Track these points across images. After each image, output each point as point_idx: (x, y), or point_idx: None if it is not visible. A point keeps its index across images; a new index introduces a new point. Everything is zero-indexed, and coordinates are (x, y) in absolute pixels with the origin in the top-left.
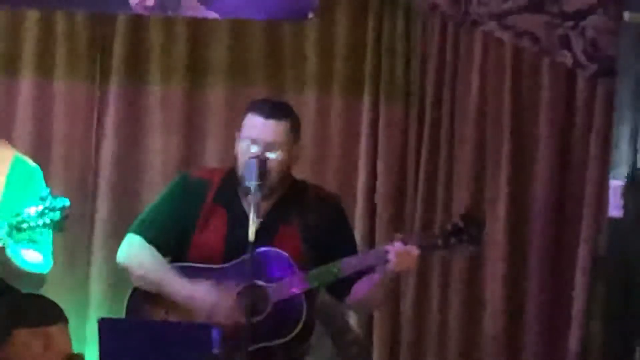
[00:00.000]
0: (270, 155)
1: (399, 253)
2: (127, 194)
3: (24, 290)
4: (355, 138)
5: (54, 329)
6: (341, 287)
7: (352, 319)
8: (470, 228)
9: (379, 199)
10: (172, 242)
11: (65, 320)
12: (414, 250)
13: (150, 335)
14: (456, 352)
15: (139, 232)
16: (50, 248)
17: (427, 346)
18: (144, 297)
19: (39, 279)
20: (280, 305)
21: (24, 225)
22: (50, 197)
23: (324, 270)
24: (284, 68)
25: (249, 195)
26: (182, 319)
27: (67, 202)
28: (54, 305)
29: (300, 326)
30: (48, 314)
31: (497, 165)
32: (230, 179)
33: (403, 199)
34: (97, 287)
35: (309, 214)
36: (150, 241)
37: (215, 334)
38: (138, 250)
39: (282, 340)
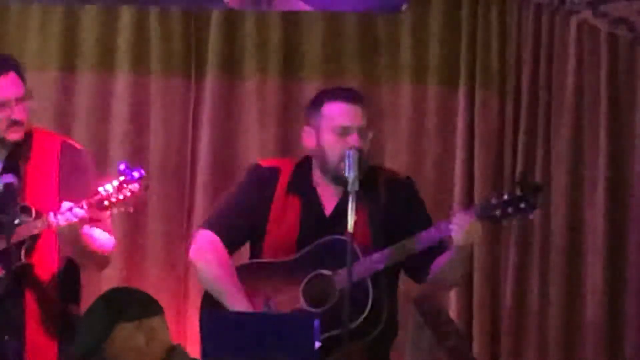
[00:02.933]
0: (364, 142)
1: (460, 226)
2: (223, 187)
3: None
4: (451, 127)
5: (154, 321)
6: (419, 269)
7: (452, 310)
8: (527, 195)
9: (477, 187)
10: (243, 232)
11: (162, 312)
12: (472, 222)
13: (252, 326)
14: (556, 342)
15: (209, 226)
16: (110, 226)
17: (527, 336)
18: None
19: (106, 259)
20: (349, 293)
21: (106, 203)
22: (127, 170)
23: (397, 247)
24: (379, 59)
25: (348, 187)
26: None
27: (143, 173)
28: (150, 298)
29: (367, 310)
30: (147, 307)
31: (594, 152)
32: (303, 168)
33: (501, 187)
34: (195, 281)
35: (378, 198)
36: (219, 234)
37: (317, 324)
38: (208, 252)
39: (351, 325)
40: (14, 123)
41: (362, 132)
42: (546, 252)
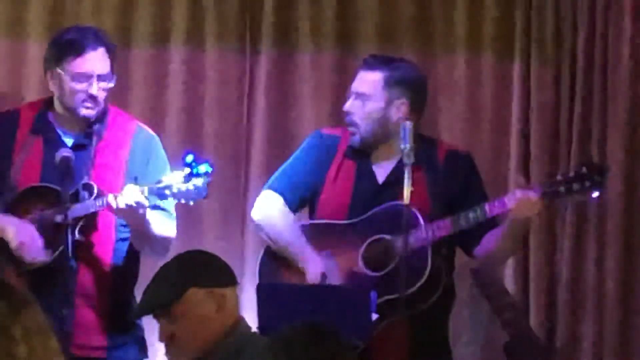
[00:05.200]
0: (357, 105)
1: (518, 200)
2: (279, 161)
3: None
4: (506, 100)
5: (228, 291)
6: (468, 241)
7: (508, 282)
8: (593, 174)
9: (532, 161)
10: (303, 194)
11: (236, 284)
12: (534, 197)
13: (308, 299)
14: (613, 314)
15: (271, 187)
16: (174, 212)
17: (583, 308)
18: (275, 262)
19: (165, 247)
20: (406, 259)
21: (167, 192)
22: (195, 162)
23: (463, 215)
24: (434, 31)
25: (403, 158)
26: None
27: (210, 168)
28: (228, 268)
29: (424, 278)
30: (223, 276)
31: None
32: None
33: (556, 161)
34: (251, 255)
35: (437, 168)
36: (282, 194)
37: (373, 298)
38: (271, 209)
39: (407, 292)
40: (90, 98)
41: (362, 96)
42: (602, 222)
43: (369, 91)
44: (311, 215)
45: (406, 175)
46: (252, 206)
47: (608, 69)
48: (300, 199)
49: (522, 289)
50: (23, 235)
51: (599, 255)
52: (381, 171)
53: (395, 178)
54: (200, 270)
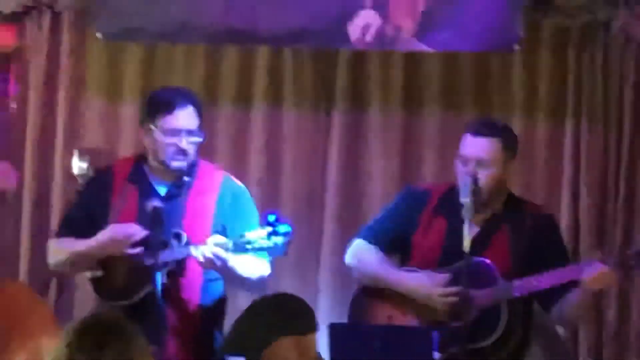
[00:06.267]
0: (480, 172)
1: (591, 272)
2: (351, 211)
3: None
4: (558, 159)
5: (311, 338)
6: (548, 298)
7: (560, 331)
8: None
9: (581, 215)
10: (393, 245)
11: (318, 329)
12: (608, 272)
13: (376, 338)
14: None
15: (362, 236)
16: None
17: (630, 353)
18: (368, 298)
19: (263, 283)
20: (483, 313)
21: (248, 247)
22: (276, 222)
23: (499, 289)
24: (492, 95)
25: (462, 212)
26: (405, 321)
27: (290, 229)
28: (314, 314)
29: (496, 335)
30: (309, 323)
31: None
32: (452, 192)
33: (605, 216)
34: (325, 302)
35: (521, 228)
36: (370, 242)
37: (435, 336)
38: (360, 250)
39: (477, 346)
40: (180, 152)
41: (484, 162)
42: None
43: (491, 157)
44: (403, 265)
45: (465, 226)
46: (326, 252)
47: None
48: (389, 246)
49: (572, 333)
50: (115, 232)
51: None
52: (473, 228)
53: (485, 235)
54: (292, 318)
